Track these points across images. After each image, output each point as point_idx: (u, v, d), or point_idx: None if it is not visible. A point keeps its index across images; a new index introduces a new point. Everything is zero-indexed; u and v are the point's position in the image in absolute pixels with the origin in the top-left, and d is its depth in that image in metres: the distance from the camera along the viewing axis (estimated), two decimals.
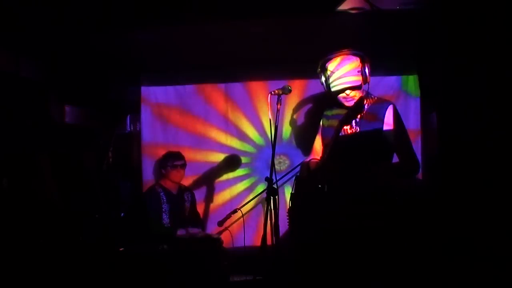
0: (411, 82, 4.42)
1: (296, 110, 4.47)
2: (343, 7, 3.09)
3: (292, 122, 4.49)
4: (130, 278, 3.45)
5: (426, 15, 3.18)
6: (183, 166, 4.11)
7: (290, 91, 2.92)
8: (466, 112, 3.38)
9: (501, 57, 3.07)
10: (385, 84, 4.41)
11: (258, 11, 3.18)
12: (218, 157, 4.61)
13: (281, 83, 3.04)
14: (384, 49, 4.08)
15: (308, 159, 2.95)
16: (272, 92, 2.85)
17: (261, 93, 4.54)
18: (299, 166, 2.91)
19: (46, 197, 3.60)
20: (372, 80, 4.33)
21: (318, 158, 2.93)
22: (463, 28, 3.29)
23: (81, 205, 3.81)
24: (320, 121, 3.03)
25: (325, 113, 3.01)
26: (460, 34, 3.38)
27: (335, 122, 2.82)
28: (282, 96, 2.86)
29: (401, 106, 4.38)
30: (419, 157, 4.28)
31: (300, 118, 4.48)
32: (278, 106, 2.78)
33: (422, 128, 4.36)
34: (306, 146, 4.09)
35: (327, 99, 2.96)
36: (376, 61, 4.27)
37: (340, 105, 2.85)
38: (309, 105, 4.45)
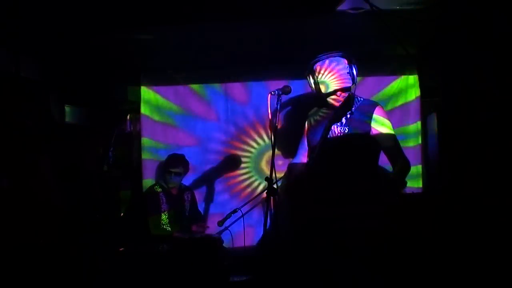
0: (411, 82, 4.42)
1: (295, 110, 4.47)
2: (343, 7, 3.09)
3: (291, 122, 4.49)
4: (130, 278, 3.45)
5: (426, 15, 3.17)
6: (178, 174, 4.07)
7: (290, 91, 2.92)
8: (466, 112, 3.38)
9: (501, 56, 3.07)
10: (385, 84, 4.42)
11: (258, 11, 3.18)
12: (218, 157, 4.61)
13: (281, 83, 3.04)
14: (384, 49, 4.09)
15: (294, 161, 2.96)
16: (272, 92, 2.86)
17: (261, 93, 4.54)
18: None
19: (46, 197, 3.60)
20: (372, 80, 4.38)
21: (304, 160, 2.96)
22: (464, 27, 3.29)
23: (81, 205, 3.81)
24: (305, 122, 3.05)
25: (310, 114, 3.03)
26: (460, 34, 3.37)
27: (322, 123, 2.85)
28: (282, 96, 2.87)
29: (401, 106, 4.40)
30: (419, 157, 4.32)
31: (299, 118, 4.48)
32: (278, 106, 2.78)
33: (422, 128, 4.37)
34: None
35: (315, 100, 2.98)
36: (376, 61, 4.32)
37: (328, 106, 2.87)
38: (308, 105, 4.44)
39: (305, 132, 3.03)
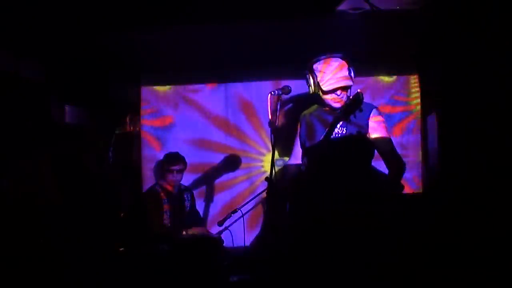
0: (411, 82, 4.43)
1: (295, 110, 4.47)
2: (343, 7, 3.09)
3: (291, 122, 4.49)
4: (130, 278, 3.44)
5: (426, 15, 3.18)
6: (180, 171, 4.08)
7: (290, 91, 2.92)
8: (466, 112, 3.38)
9: (501, 56, 3.07)
10: (385, 84, 4.42)
11: (258, 12, 3.18)
12: (218, 157, 4.61)
13: (281, 83, 3.05)
14: (384, 49, 4.09)
15: (290, 163, 2.97)
16: (272, 92, 2.86)
17: (261, 93, 4.54)
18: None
19: (46, 197, 3.60)
20: (372, 80, 4.38)
21: (298, 161, 2.97)
22: (463, 27, 3.29)
23: (81, 205, 3.81)
24: (298, 124, 3.05)
25: (304, 114, 3.04)
26: (460, 34, 3.38)
27: (318, 124, 2.87)
28: (282, 96, 2.87)
29: (400, 106, 4.40)
30: (419, 157, 4.32)
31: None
32: (278, 106, 2.79)
33: (422, 128, 4.37)
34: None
35: (307, 102, 3.00)
36: (376, 61, 4.32)
37: (323, 106, 2.89)
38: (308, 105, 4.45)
39: (298, 134, 3.03)
